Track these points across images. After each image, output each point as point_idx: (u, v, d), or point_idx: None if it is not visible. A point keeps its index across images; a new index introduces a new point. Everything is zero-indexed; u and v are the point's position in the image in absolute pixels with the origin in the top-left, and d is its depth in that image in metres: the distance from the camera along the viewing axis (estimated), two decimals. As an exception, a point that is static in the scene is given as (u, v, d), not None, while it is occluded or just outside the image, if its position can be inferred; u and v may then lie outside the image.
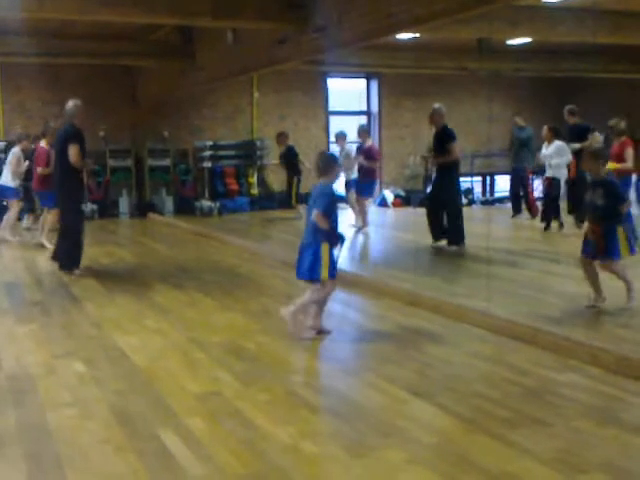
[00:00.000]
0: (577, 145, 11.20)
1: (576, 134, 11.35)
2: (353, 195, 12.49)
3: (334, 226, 5.46)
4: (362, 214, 11.90)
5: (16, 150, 11.09)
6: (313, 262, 5.31)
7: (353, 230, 11.96)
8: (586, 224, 6.29)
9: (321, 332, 5.54)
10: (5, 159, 11.78)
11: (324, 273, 5.31)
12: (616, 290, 6.18)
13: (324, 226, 5.32)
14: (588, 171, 6.62)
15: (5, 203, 11.55)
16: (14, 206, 11.22)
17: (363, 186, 11.94)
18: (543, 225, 11.38)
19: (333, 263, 5.40)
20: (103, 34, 11.70)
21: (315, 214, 5.30)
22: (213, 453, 3.50)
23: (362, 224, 11.84)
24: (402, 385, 4.41)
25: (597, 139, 11.36)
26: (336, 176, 5.70)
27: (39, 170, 10.05)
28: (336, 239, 5.46)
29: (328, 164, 5.59)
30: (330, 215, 5.39)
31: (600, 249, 6.01)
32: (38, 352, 5.35)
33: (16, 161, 10.99)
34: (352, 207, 12.65)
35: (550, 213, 11.24)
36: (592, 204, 6.11)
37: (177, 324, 6.07)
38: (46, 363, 5.04)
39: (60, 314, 6.50)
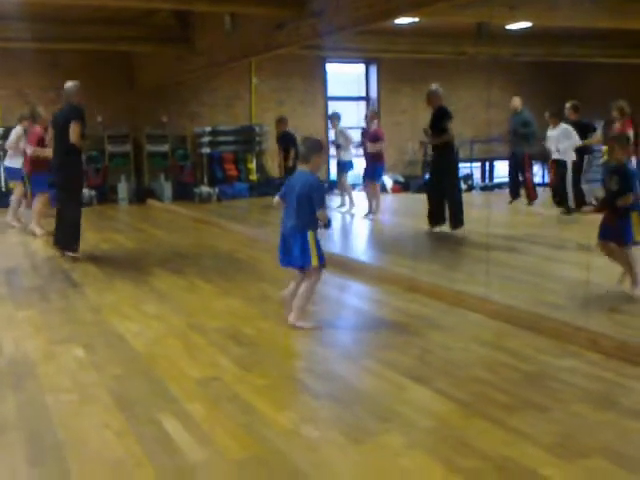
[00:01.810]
0: (579, 142, 11.17)
1: (577, 131, 11.30)
2: (345, 178, 12.48)
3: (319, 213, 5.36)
4: (376, 199, 11.70)
5: (17, 129, 11.03)
6: (303, 249, 5.25)
7: (340, 214, 12.15)
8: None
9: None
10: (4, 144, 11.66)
11: (314, 259, 5.27)
12: (617, 275, 6.19)
13: (325, 219, 5.30)
14: (611, 157, 6.50)
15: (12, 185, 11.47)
16: (18, 189, 11.14)
17: (372, 170, 11.76)
18: (560, 210, 11.21)
19: (321, 249, 5.34)
20: (101, 19, 11.63)
21: (320, 214, 5.24)
22: (213, 437, 3.51)
23: (375, 210, 11.64)
24: (401, 370, 4.42)
25: (599, 138, 11.33)
26: (318, 165, 5.42)
27: (28, 150, 9.92)
28: (325, 224, 5.37)
29: (310, 150, 5.34)
30: (325, 205, 5.36)
31: (616, 234, 6.00)
32: (37, 337, 5.36)
33: (15, 138, 10.93)
34: (342, 190, 12.65)
35: (563, 196, 11.08)
36: (608, 190, 6.11)
37: (176, 309, 6.08)
38: (45, 348, 5.04)
39: (59, 299, 6.50)
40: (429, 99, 9.96)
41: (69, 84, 8.39)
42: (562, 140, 10.86)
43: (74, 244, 8.37)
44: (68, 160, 8.23)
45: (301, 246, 5.26)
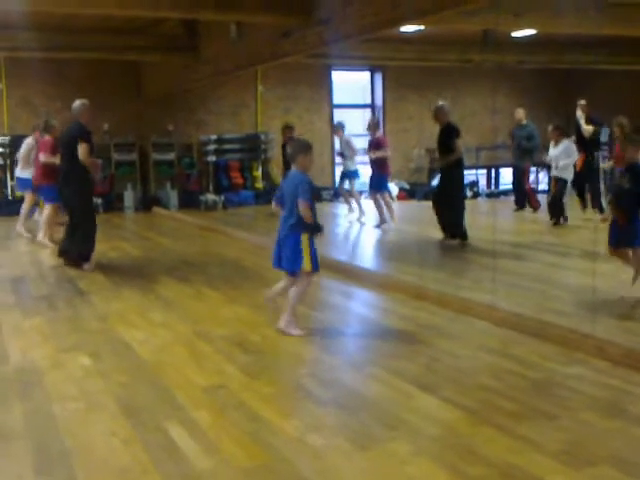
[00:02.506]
0: (590, 128, 11.37)
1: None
2: (353, 186, 12.49)
3: (314, 216, 5.34)
4: (389, 208, 11.65)
5: (28, 140, 11.04)
6: (295, 253, 5.23)
7: (349, 222, 12.22)
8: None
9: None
10: (11, 153, 11.66)
11: (306, 264, 5.25)
12: (624, 283, 6.17)
13: (308, 217, 5.21)
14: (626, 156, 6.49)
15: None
16: (28, 198, 11.14)
17: (378, 180, 11.68)
18: (552, 221, 11.24)
19: (315, 254, 5.32)
20: (108, 28, 11.70)
21: (302, 205, 5.17)
22: (219, 445, 3.50)
23: (390, 218, 11.59)
24: (408, 378, 4.41)
25: (590, 130, 11.56)
26: (305, 165, 5.39)
27: (42, 158, 9.81)
28: (316, 229, 5.34)
29: (296, 151, 5.39)
30: (313, 205, 5.32)
31: (627, 238, 5.99)
32: (44, 346, 5.36)
33: (26, 150, 10.94)
34: (347, 198, 12.64)
35: (557, 211, 11.14)
36: (619, 188, 6.11)
37: (183, 317, 6.08)
38: (52, 356, 5.05)
39: (66, 308, 6.51)
40: (436, 116, 9.90)
41: (77, 103, 8.28)
42: (563, 158, 10.87)
43: (89, 256, 8.39)
44: (76, 175, 8.20)
45: (293, 248, 5.24)
